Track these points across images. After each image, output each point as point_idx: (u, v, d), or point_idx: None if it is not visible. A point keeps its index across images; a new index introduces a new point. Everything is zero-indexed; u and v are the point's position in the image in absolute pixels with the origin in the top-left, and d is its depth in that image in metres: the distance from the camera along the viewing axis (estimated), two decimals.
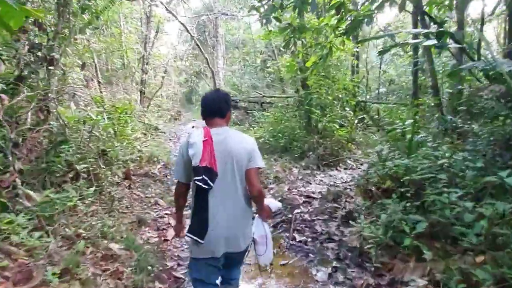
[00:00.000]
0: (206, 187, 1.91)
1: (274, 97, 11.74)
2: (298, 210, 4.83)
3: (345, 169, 7.31)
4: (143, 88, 16.25)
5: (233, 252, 2.07)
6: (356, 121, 9.32)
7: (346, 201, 4.99)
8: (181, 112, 22.59)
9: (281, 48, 15.48)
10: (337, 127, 7.88)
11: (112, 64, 19.86)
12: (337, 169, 7.24)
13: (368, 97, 13.56)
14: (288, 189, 5.73)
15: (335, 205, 4.84)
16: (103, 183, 4.79)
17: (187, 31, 12.41)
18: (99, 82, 11.06)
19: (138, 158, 6.50)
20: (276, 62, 13.75)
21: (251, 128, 11.46)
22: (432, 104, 7.23)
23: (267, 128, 10.16)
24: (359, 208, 4.52)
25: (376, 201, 4.53)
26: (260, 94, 12.43)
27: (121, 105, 8.14)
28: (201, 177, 1.89)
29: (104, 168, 4.97)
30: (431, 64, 6.94)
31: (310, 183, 6.16)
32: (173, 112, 20.66)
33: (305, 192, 5.60)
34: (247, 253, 2.22)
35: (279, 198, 5.33)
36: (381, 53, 6.59)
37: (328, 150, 7.53)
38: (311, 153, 7.53)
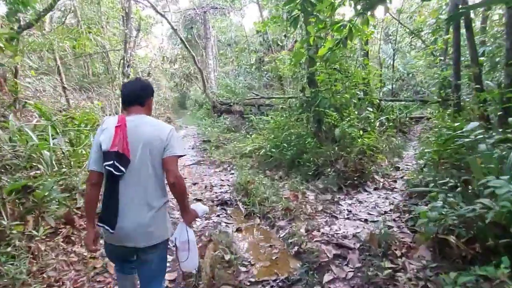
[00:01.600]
0: (117, 173, 1.85)
1: (274, 98, 9.93)
2: (330, 276, 3.03)
3: (375, 189, 5.49)
4: None
5: (144, 246, 1.94)
6: (377, 124, 7.54)
7: (403, 254, 3.18)
8: (171, 119, 20.78)
9: (279, 43, 13.74)
10: (360, 133, 6.07)
11: (95, 68, 18.17)
12: (365, 190, 5.43)
13: (380, 94, 11.88)
14: (307, 231, 3.92)
15: (389, 264, 3.03)
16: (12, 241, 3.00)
17: (168, 23, 10.60)
18: (64, 87, 9.24)
19: None
20: (274, 57, 11.98)
21: (248, 136, 9.65)
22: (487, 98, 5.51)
23: (268, 136, 8.35)
24: (431, 276, 2.74)
25: (458, 261, 2.78)
26: (257, 95, 10.61)
27: (80, 114, 6.33)
28: (111, 162, 1.83)
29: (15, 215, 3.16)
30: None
31: (336, 217, 4.35)
32: (163, 119, 18.84)
33: (333, 235, 3.79)
34: (161, 257, 2.07)
35: (295, 248, 3.54)
36: (452, 18, 4.87)
37: (351, 165, 5.72)
38: (328, 169, 5.72)
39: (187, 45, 9.93)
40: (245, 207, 5.02)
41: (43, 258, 3.19)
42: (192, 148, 11.36)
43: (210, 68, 14.15)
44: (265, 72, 16.07)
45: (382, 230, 3.47)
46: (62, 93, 9.27)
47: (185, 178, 6.69)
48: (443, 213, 2.91)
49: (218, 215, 4.76)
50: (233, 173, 7.09)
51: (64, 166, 4.86)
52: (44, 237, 3.37)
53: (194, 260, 2.24)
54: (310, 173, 5.94)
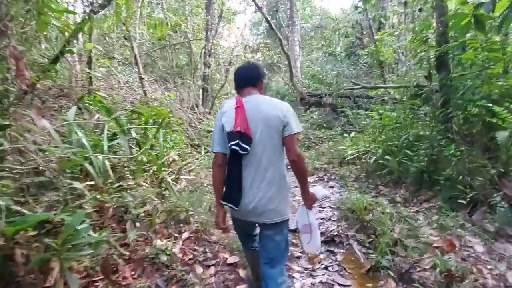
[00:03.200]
0: (242, 152, 1.90)
1: (382, 87, 7.83)
2: None
3: None
4: (205, 85, 13.64)
5: (268, 222, 2.00)
6: None
7: None
8: None
9: (382, 20, 11.35)
10: None
11: (178, 60, 17.95)
12: None
13: None
14: None
15: None
16: None
17: (253, 0, 9.19)
18: (140, 77, 8.51)
19: (145, 217, 3.37)
20: (376, 38, 9.78)
21: (345, 135, 7.79)
22: None
23: (375, 137, 6.44)
24: None
25: None
26: (357, 84, 8.59)
27: (148, 109, 5.26)
28: (236, 142, 1.88)
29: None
30: None
31: None
32: None
33: None
34: (286, 235, 2.10)
35: None
36: None
37: None
38: (495, 197, 3.65)
39: (273, 26, 8.43)
40: (364, 251, 3.31)
41: None
42: None
43: (296, 56, 12.52)
44: (360, 58, 13.85)
45: None
46: (140, 84, 8.56)
47: None
48: None
49: (325, 266, 3.12)
50: (333, 187, 5.40)
51: (121, 176, 3.76)
52: None
53: (317, 242, 2.26)
54: (453, 200, 3.93)
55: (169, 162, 4.97)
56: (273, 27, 8.56)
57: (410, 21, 9.42)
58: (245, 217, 2.03)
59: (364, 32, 15.46)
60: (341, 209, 4.24)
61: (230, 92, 17.29)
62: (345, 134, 7.79)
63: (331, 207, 4.44)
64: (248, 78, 2.10)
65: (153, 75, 11.35)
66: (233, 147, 1.89)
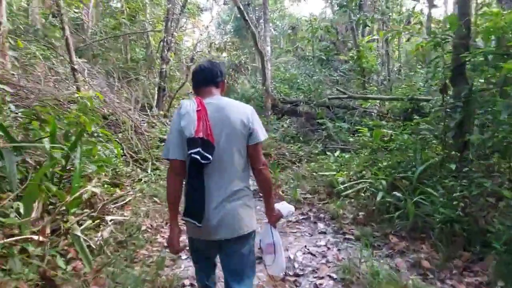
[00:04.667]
0: (204, 161, 1.65)
1: (378, 98, 6.48)
2: None
3: None
4: (162, 83, 11.77)
5: (234, 237, 1.77)
6: None
7: None
8: None
9: (368, 23, 10.21)
10: None
11: (134, 53, 15.87)
12: None
13: None
14: None
15: None
16: None
17: None
18: (73, 68, 6.59)
19: None
20: (359, 43, 8.58)
21: (329, 153, 6.41)
22: None
23: (368, 159, 5.12)
24: None
25: None
26: (343, 92, 7.17)
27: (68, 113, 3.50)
28: (197, 150, 1.64)
29: None
30: None
31: None
32: None
33: None
34: (252, 247, 1.88)
35: None
36: None
37: None
38: None
39: (247, 17, 6.89)
40: None
41: None
42: None
43: (267, 57, 11.12)
44: (334, 64, 12.75)
45: None
46: (73, 77, 6.65)
47: None
48: None
49: None
50: (324, 232, 3.95)
51: None
52: None
53: (281, 264, 2.06)
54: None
55: (86, 199, 3.25)
56: (246, 17, 7.03)
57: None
58: (208, 236, 1.77)
59: (340, 37, 14.48)
60: (344, 281, 2.78)
61: (190, 92, 15.50)
62: (328, 153, 6.42)
63: (330, 276, 2.97)
64: (210, 77, 1.88)
65: (98, 67, 9.35)
66: (194, 155, 1.63)
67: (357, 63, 9.01)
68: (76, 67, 6.55)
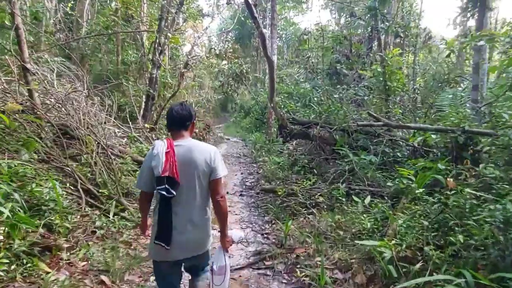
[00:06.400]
0: (169, 195, 2.00)
1: (422, 129, 4.83)
2: None
3: None
4: (151, 91, 10.16)
5: (194, 255, 2.17)
6: None
7: None
8: (211, 127, 16.45)
9: (401, 33, 8.72)
10: None
11: (126, 55, 14.31)
12: None
13: None
14: None
15: None
16: None
17: None
18: (24, 67, 4.98)
19: None
20: (385, 55, 7.09)
21: (353, 198, 4.81)
22: None
23: (430, 222, 3.53)
24: None
25: None
26: (378, 119, 5.53)
27: None
28: (163, 186, 1.99)
29: None
30: None
31: None
32: (203, 124, 14.46)
33: None
34: (206, 260, 2.30)
35: None
36: None
37: None
38: None
39: (255, 13, 5.41)
40: None
41: None
42: (240, 195, 6.72)
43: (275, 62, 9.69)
44: (350, 79, 11.27)
45: None
46: (22, 79, 5.05)
47: None
48: None
49: None
50: None
51: None
52: None
53: (226, 285, 2.32)
54: None
55: None
56: (255, 14, 5.54)
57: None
58: (173, 257, 2.10)
59: (353, 50, 13.05)
60: None
61: (186, 100, 13.94)
62: (353, 196, 4.84)
63: None
64: (181, 122, 2.19)
65: (77, 69, 7.73)
66: (160, 191, 1.99)
67: (381, 80, 7.49)
68: (28, 66, 4.96)
